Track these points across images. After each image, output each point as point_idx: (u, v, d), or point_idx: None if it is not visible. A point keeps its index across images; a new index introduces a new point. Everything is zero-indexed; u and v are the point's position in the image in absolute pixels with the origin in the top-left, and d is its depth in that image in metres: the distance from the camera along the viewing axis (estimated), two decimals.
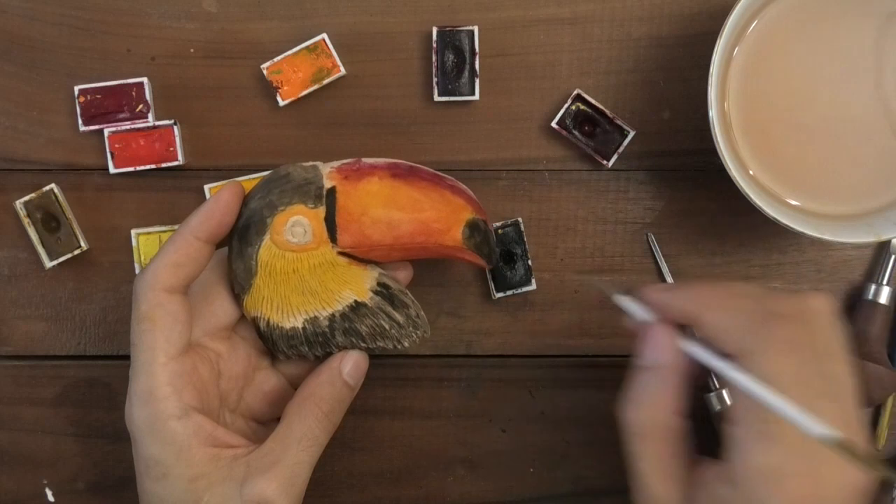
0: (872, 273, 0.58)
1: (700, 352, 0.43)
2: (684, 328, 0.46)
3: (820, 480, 0.40)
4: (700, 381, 0.54)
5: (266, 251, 0.48)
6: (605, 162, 0.56)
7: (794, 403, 0.39)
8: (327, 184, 0.49)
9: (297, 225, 0.48)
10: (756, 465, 0.40)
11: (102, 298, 0.58)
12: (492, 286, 0.57)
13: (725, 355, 0.42)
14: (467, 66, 0.56)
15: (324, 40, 0.56)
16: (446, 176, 0.51)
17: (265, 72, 0.56)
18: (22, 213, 0.56)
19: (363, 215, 0.48)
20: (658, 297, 0.45)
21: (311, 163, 0.50)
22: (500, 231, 0.57)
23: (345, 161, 0.49)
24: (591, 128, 0.56)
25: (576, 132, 0.56)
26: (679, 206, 0.58)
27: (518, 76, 0.57)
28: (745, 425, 0.41)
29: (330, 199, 0.48)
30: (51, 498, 0.59)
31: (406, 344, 0.51)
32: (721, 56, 0.50)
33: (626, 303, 0.47)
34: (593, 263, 0.58)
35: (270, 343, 0.50)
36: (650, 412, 0.44)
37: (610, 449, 0.56)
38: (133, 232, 0.57)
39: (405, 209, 0.49)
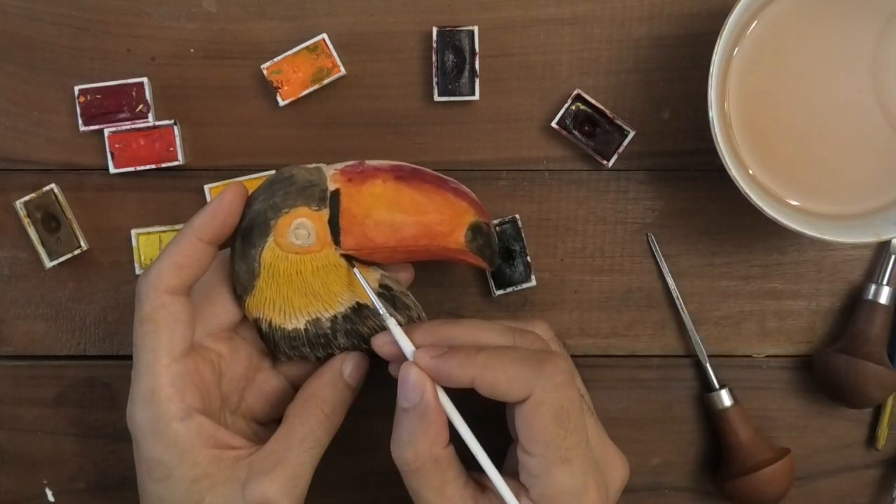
0: (872, 273, 0.58)
1: (450, 408, 0.47)
2: None
3: (608, 485, 0.48)
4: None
5: (269, 253, 0.48)
6: (605, 162, 0.56)
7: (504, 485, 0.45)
8: (331, 186, 0.49)
9: (300, 227, 0.48)
10: (561, 487, 0.45)
11: (102, 298, 0.58)
12: (492, 284, 0.57)
13: (514, 401, 0.45)
14: (467, 66, 0.56)
15: (324, 40, 0.55)
16: (449, 178, 0.51)
17: (265, 72, 0.56)
18: (22, 213, 0.56)
19: (367, 218, 0.48)
20: (432, 365, 0.46)
21: (314, 165, 0.49)
22: (497, 228, 0.57)
23: (348, 163, 0.49)
24: (591, 128, 0.56)
25: (576, 132, 0.56)
26: (679, 206, 0.58)
27: (518, 76, 0.57)
28: (544, 454, 0.45)
29: (334, 201, 0.48)
30: (51, 498, 0.59)
31: None
32: (721, 56, 0.50)
33: (397, 331, 0.48)
34: (593, 263, 0.58)
35: (272, 344, 0.50)
36: (417, 449, 0.46)
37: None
38: (133, 232, 0.57)
39: (408, 212, 0.49)
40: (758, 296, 0.58)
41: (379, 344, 0.49)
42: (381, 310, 0.49)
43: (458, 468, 0.47)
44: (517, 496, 0.45)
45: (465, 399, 0.47)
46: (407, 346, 0.47)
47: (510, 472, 0.47)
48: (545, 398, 0.45)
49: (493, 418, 0.49)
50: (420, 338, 0.48)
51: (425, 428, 0.46)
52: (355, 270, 0.49)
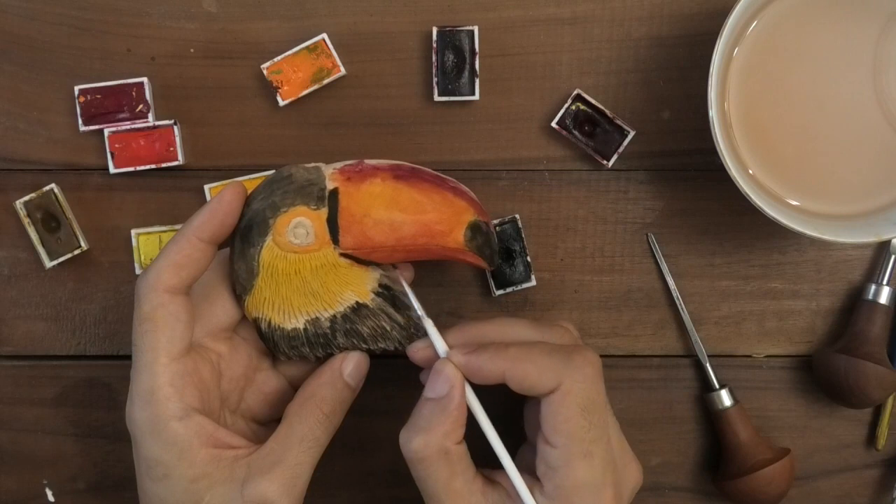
0: (872, 273, 0.58)
1: (477, 408, 0.48)
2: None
3: (623, 485, 0.48)
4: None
5: (268, 252, 0.48)
6: (605, 162, 0.56)
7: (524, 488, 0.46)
8: (330, 185, 0.49)
9: (299, 226, 0.48)
10: (580, 480, 0.45)
11: (102, 298, 0.58)
12: (492, 284, 0.57)
13: (544, 393, 0.46)
14: (467, 66, 0.56)
15: (324, 40, 0.56)
16: (448, 178, 0.51)
17: (265, 72, 0.56)
18: (22, 213, 0.56)
19: (365, 217, 0.48)
20: (464, 361, 0.47)
21: (313, 164, 0.49)
22: (497, 228, 0.57)
23: (347, 162, 0.49)
24: (591, 128, 0.56)
25: (576, 132, 0.56)
26: (679, 206, 0.58)
27: (518, 76, 0.57)
28: (567, 445, 0.45)
29: (332, 200, 0.48)
30: (51, 498, 0.59)
31: (407, 345, 0.51)
32: (721, 56, 0.50)
33: (433, 332, 0.49)
34: (593, 263, 0.58)
35: (271, 344, 0.50)
36: (428, 437, 0.46)
37: None
38: (133, 232, 0.57)
39: (407, 211, 0.49)
40: (758, 296, 0.58)
41: (413, 351, 0.50)
42: (420, 311, 0.50)
43: (468, 463, 0.47)
44: (530, 490, 0.46)
45: (481, 401, 0.48)
46: (441, 346, 0.49)
47: (523, 469, 0.47)
48: (573, 388, 0.45)
49: (503, 421, 0.49)
50: (452, 338, 0.49)
51: (443, 419, 0.46)
52: (397, 272, 0.51)
